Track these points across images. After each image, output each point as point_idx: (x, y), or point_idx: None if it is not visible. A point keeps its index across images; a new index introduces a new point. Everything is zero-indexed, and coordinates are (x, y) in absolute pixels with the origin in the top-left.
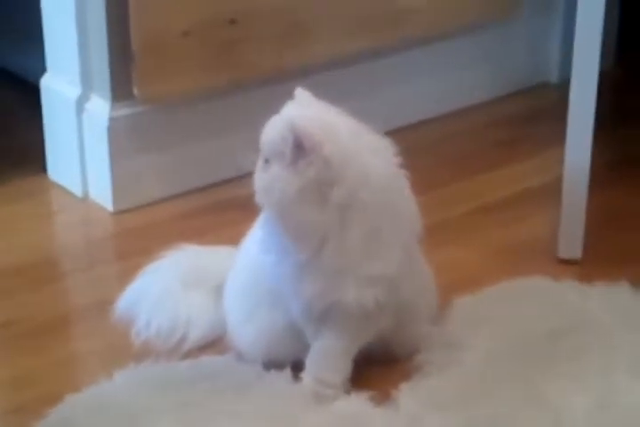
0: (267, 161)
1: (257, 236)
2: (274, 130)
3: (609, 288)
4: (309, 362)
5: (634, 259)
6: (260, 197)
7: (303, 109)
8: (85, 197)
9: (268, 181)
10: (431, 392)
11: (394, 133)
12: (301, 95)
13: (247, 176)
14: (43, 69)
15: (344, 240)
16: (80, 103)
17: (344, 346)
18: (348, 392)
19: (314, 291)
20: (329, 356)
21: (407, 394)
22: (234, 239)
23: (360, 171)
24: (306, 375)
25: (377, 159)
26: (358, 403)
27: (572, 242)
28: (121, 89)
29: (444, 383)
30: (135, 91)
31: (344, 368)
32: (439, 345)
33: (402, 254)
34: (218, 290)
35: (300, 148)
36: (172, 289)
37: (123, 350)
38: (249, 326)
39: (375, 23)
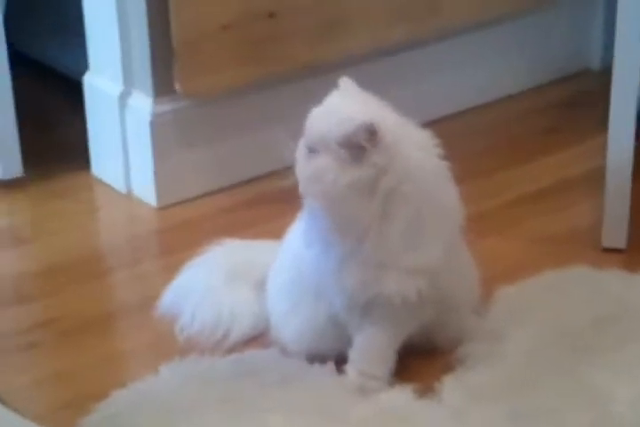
0: (312, 150)
1: (299, 229)
2: (324, 120)
3: None
4: (353, 355)
5: None
6: (304, 187)
7: (348, 99)
8: (129, 193)
9: (313, 170)
10: (474, 385)
11: (434, 123)
12: (346, 84)
13: (289, 169)
14: (85, 66)
15: (386, 232)
16: (122, 99)
17: (388, 338)
18: (391, 385)
19: (356, 283)
20: (373, 348)
21: (450, 387)
22: (276, 233)
23: (405, 163)
24: (350, 368)
25: (420, 151)
26: (402, 396)
27: (616, 231)
28: (163, 84)
29: (487, 375)
30: (177, 86)
31: (388, 361)
32: (482, 337)
33: (444, 246)
34: (261, 284)
35: (356, 140)
36: (215, 284)
37: (168, 345)
38: (292, 320)
39: (414, 13)
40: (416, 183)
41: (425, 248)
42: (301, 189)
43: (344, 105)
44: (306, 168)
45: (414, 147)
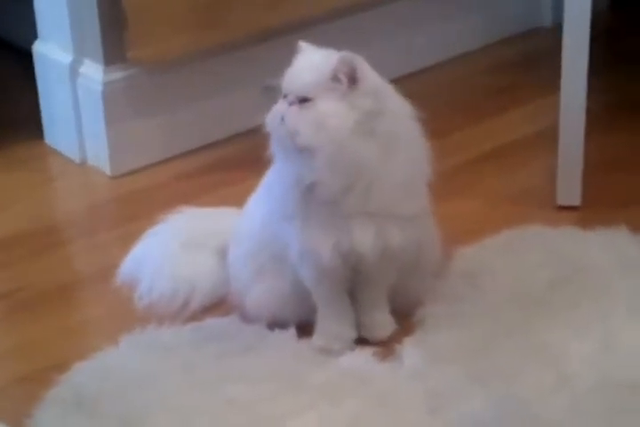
0: (304, 100)
1: (268, 205)
2: (310, 66)
3: (608, 233)
4: (321, 318)
5: (633, 202)
6: (306, 139)
7: (321, 52)
8: (83, 163)
9: (314, 117)
10: (434, 346)
11: None
12: (307, 46)
13: (242, 135)
14: (35, 35)
15: (388, 179)
16: (73, 68)
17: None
18: (352, 348)
19: (366, 240)
20: (382, 301)
21: (411, 349)
22: (233, 199)
23: (394, 104)
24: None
25: (399, 103)
26: (362, 358)
27: (570, 188)
28: (114, 52)
29: (447, 337)
30: (128, 54)
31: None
32: (441, 298)
33: (425, 192)
34: (220, 251)
35: (354, 80)
36: (173, 252)
37: (128, 315)
38: (256, 286)
39: None
40: (406, 126)
41: (416, 195)
42: (302, 141)
43: (320, 54)
44: (304, 118)
45: (395, 98)
